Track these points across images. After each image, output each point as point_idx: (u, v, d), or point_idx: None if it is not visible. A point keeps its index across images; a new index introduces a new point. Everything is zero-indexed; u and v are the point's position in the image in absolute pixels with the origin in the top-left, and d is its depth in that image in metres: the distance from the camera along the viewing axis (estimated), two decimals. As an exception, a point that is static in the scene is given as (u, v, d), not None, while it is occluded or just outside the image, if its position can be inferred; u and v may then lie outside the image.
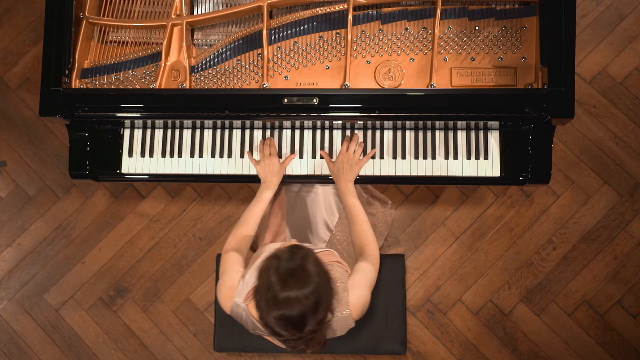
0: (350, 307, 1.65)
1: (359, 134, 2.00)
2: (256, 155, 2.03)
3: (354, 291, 1.67)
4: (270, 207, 2.28)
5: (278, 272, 1.47)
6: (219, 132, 2.05)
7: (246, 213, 1.91)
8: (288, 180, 2.03)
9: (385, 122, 1.97)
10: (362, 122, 1.97)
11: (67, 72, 1.94)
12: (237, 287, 1.68)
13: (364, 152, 2.00)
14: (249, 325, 1.69)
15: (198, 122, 2.02)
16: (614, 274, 2.63)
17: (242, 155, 2.03)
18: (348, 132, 2.02)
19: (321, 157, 2.00)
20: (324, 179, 2.02)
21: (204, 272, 2.72)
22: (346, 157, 1.93)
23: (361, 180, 2.02)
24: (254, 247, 2.14)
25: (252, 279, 1.64)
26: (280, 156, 2.02)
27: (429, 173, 2.00)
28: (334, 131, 2.02)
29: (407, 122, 1.98)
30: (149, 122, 2.04)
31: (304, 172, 2.02)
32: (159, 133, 2.06)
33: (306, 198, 2.10)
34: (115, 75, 2.03)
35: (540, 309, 2.63)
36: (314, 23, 2.00)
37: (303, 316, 1.46)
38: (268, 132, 2.04)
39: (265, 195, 1.93)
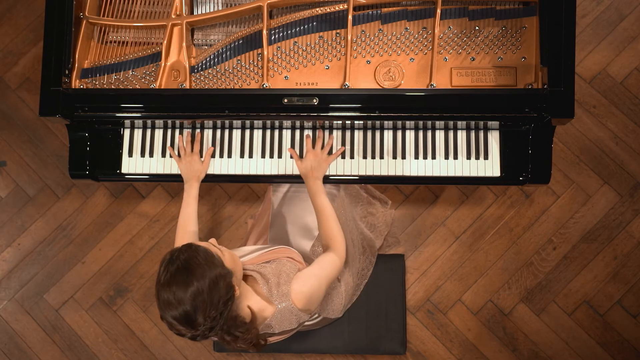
0: (292, 297, 1.65)
1: (327, 132, 2.01)
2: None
3: (299, 280, 1.68)
4: (259, 209, 2.28)
5: (164, 273, 1.49)
6: (218, 132, 2.05)
7: (180, 218, 1.95)
8: (277, 180, 2.03)
9: (385, 122, 1.97)
10: (362, 122, 1.97)
11: (67, 72, 1.94)
12: None
13: (331, 151, 2.00)
14: None
15: (198, 122, 2.02)
16: (614, 274, 2.63)
17: (242, 155, 2.03)
18: (348, 132, 2.02)
19: (291, 157, 2.01)
20: None
21: (204, 272, 2.71)
22: (314, 154, 1.95)
23: (361, 180, 2.02)
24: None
25: None
26: (280, 156, 2.02)
27: (429, 173, 2.00)
28: (334, 131, 2.02)
29: (407, 122, 1.98)
30: (149, 122, 2.04)
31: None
32: (159, 133, 2.06)
33: (295, 198, 2.11)
34: (115, 75, 2.03)
35: (540, 309, 2.63)
36: (314, 23, 2.00)
37: (186, 316, 1.47)
38: (268, 132, 2.04)
39: (190, 195, 1.96)
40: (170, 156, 2.05)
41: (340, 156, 2.01)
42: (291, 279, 1.68)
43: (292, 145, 2.02)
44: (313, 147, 1.98)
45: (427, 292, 2.66)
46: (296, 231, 2.07)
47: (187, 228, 1.93)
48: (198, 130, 2.03)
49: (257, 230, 2.16)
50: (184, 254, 1.50)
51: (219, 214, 2.74)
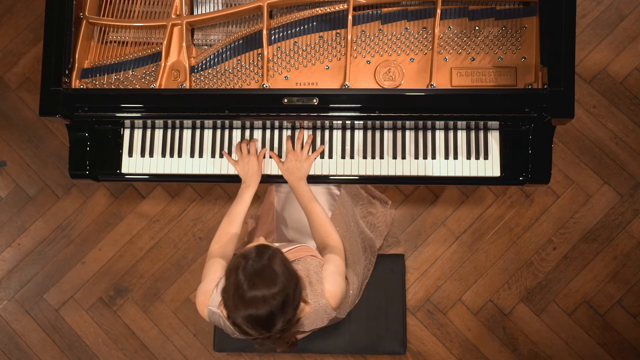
0: (326, 296, 1.67)
1: (306, 131, 2.01)
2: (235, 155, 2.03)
3: (328, 280, 1.70)
4: (260, 209, 2.28)
5: (245, 271, 1.47)
6: (219, 132, 2.05)
7: (229, 214, 1.93)
8: (276, 180, 2.03)
9: (385, 122, 1.97)
10: (362, 122, 1.97)
11: (67, 72, 1.94)
12: (212, 294, 1.68)
13: (313, 148, 2.01)
14: (228, 330, 1.69)
15: (198, 122, 2.02)
16: (614, 274, 2.63)
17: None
18: (348, 132, 2.02)
19: (270, 157, 2.01)
20: (316, 179, 2.02)
21: (204, 272, 2.72)
22: (294, 155, 1.96)
23: (361, 180, 2.02)
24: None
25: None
26: (280, 156, 2.02)
27: (428, 173, 2.00)
28: (334, 131, 2.02)
29: (407, 122, 1.98)
30: (149, 122, 2.04)
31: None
32: (159, 133, 2.06)
33: None
34: (115, 75, 2.03)
35: (540, 309, 2.63)
36: (314, 23, 2.00)
37: (271, 316, 1.46)
38: (268, 132, 2.04)
39: (246, 195, 1.95)
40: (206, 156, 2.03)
41: (340, 156, 2.01)
42: (319, 277, 1.69)
43: (293, 145, 2.02)
44: (293, 147, 1.98)
45: (427, 292, 2.66)
46: (302, 230, 2.07)
47: (231, 229, 1.91)
48: (255, 137, 2.03)
49: (262, 231, 2.15)
50: (263, 254, 1.49)
51: (219, 214, 2.74)
